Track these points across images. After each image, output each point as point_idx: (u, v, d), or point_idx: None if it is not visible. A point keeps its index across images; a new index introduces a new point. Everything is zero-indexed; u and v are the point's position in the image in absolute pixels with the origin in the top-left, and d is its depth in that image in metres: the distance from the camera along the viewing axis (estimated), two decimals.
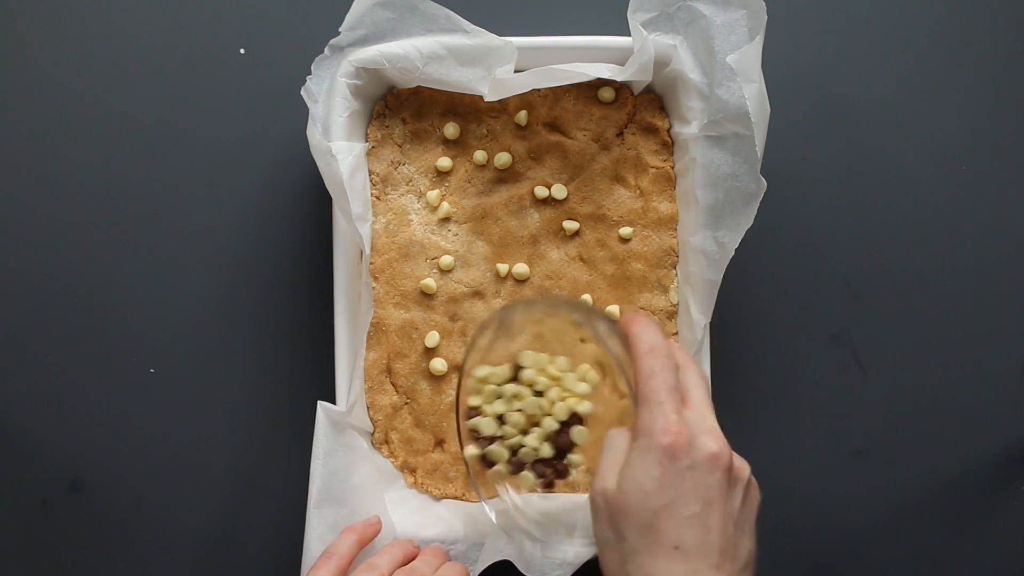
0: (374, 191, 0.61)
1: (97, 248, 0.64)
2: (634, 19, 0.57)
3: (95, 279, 0.64)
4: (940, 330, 0.66)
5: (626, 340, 0.49)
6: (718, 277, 0.57)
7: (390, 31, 0.58)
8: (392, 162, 0.62)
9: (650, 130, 0.61)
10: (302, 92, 0.56)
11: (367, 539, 0.56)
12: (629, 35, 0.57)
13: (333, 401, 0.58)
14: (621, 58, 0.59)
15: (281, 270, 0.64)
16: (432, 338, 0.61)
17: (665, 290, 0.62)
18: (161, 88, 0.64)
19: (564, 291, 0.61)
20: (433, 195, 0.61)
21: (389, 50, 0.57)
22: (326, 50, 0.58)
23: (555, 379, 0.54)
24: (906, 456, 0.66)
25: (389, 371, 0.61)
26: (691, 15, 0.57)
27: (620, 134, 0.62)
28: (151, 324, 0.64)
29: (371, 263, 0.60)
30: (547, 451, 0.53)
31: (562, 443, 0.53)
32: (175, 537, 0.63)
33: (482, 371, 0.54)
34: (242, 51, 0.64)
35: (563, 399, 0.53)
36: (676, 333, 0.61)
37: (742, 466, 0.48)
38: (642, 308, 0.61)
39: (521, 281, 0.62)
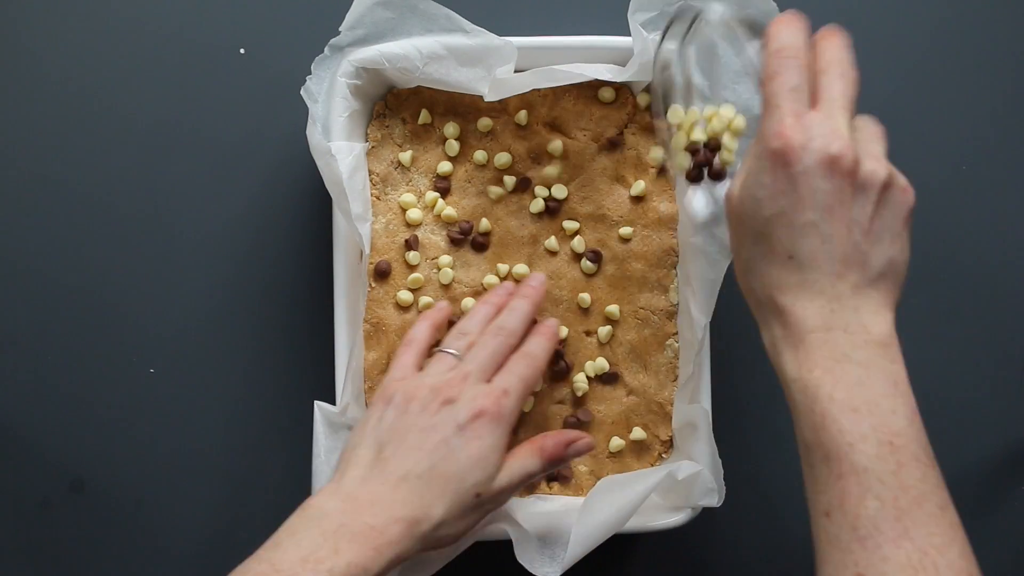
0: (374, 191, 0.61)
1: (97, 248, 0.64)
2: (634, 19, 0.57)
3: (95, 279, 0.64)
4: (940, 330, 0.66)
5: None
6: (719, 277, 0.56)
7: (390, 31, 0.58)
8: (392, 162, 0.62)
9: (650, 130, 0.61)
10: (302, 92, 0.56)
11: (440, 323, 0.58)
12: (629, 35, 0.57)
13: (333, 401, 0.58)
14: (621, 58, 0.59)
15: (281, 270, 0.64)
16: None
17: (665, 290, 0.61)
18: (161, 88, 0.64)
19: (564, 291, 0.61)
20: (433, 195, 0.61)
21: (389, 50, 0.57)
22: (326, 50, 0.58)
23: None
24: None
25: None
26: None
27: (620, 134, 0.62)
28: (151, 324, 0.64)
29: (370, 263, 0.60)
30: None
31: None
32: (175, 537, 0.63)
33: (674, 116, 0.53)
34: (242, 51, 0.64)
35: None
36: (676, 333, 0.61)
37: (875, 169, 0.44)
38: (642, 308, 0.61)
39: (521, 281, 0.61)
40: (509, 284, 0.59)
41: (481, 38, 0.57)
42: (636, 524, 0.56)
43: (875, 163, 0.44)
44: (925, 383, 0.66)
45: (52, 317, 0.64)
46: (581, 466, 0.61)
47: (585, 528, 0.54)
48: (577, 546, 0.54)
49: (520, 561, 0.54)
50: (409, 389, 0.52)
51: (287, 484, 0.63)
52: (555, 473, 0.61)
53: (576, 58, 0.59)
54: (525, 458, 0.53)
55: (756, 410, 0.65)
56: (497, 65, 0.57)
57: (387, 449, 0.50)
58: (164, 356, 0.64)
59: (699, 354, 0.58)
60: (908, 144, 0.66)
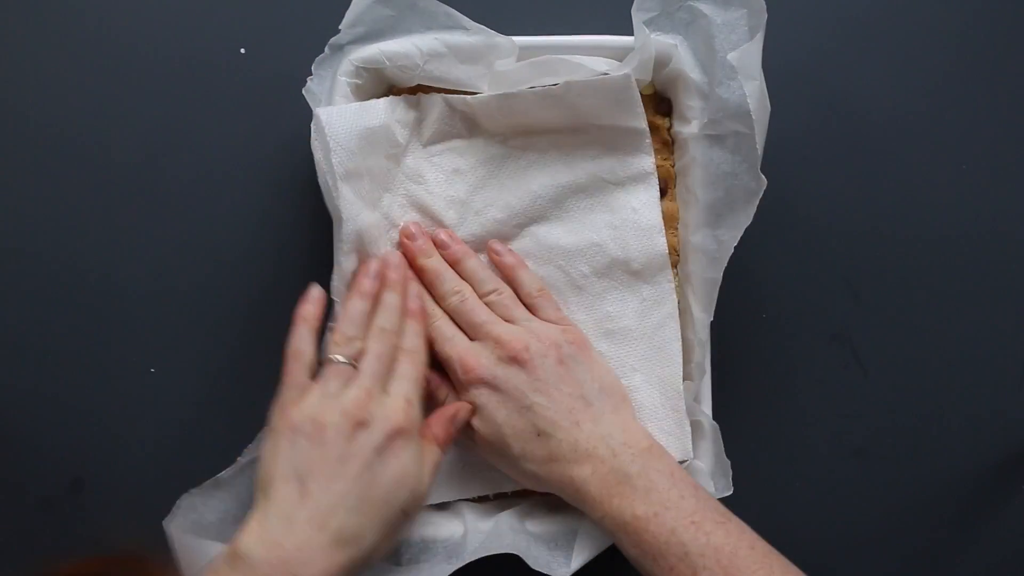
0: None
1: (97, 247, 0.64)
2: (637, 16, 0.57)
3: (95, 278, 0.64)
4: (940, 330, 0.66)
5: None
6: (718, 275, 0.56)
7: (389, 29, 0.58)
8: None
9: (650, 129, 0.61)
10: (304, 92, 0.56)
11: (319, 321, 0.56)
12: (631, 35, 0.57)
13: None
14: (623, 58, 0.59)
15: (281, 270, 0.64)
16: None
17: None
18: (162, 87, 0.64)
19: None
20: None
21: (389, 48, 0.57)
22: (326, 49, 0.58)
23: None
24: (906, 456, 0.66)
25: None
26: (692, 15, 0.57)
27: None
28: (151, 324, 0.64)
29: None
30: None
31: None
32: None
33: None
34: (242, 51, 0.65)
35: None
36: None
37: (523, 346, 0.55)
38: None
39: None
40: (375, 265, 0.57)
41: (481, 35, 0.57)
42: None
43: (521, 341, 0.55)
44: (926, 383, 0.66)
45: (52, 317, 0.64)
46: None
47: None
48: (587, 537, 0.55)
49: (536, 568, 0.54)
50: (317, 415, 0.51)
51: None
52: None
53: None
54: (430, 456, 0.54)
55: (756, 410, 0.65)
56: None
57: (309, 482, 0.49)
58: (164, 356, 0.64)
59: (701, 353, 0.58)
60: (909, 143, 0.66)
